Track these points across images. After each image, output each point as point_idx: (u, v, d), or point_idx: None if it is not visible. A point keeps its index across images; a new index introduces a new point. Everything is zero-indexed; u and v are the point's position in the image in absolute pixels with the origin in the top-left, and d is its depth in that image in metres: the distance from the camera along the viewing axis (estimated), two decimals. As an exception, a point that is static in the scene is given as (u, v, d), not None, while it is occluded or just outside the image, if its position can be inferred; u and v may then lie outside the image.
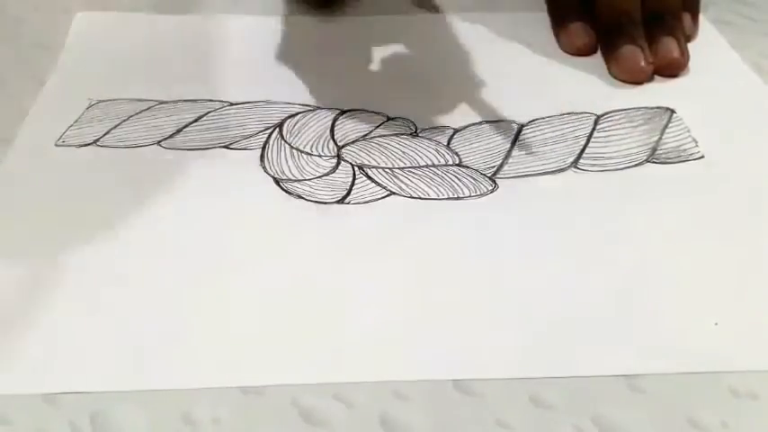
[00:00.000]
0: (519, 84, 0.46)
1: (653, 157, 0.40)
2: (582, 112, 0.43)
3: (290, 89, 0.45)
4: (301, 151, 0.40)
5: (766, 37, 0.50)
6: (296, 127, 0.42)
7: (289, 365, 0.29)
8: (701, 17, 0.52)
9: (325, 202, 0.37)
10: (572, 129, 0.42)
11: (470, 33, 0.51)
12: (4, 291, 0.32)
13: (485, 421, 0.28)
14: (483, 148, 0.40)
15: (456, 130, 0.41)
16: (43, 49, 0.47)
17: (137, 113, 0.43)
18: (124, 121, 0.42)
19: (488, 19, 0.51)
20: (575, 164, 0.39)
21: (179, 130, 0.41)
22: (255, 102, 0.44)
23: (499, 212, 0.36)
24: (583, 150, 0.40)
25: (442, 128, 0.42)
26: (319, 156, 0.40)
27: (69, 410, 0.28)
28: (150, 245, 0.34)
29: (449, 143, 0.41)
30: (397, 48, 0.48)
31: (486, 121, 0.42)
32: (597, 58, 0.48)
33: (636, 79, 0.45)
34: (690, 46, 0.49)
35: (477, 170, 0.39)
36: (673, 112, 0.43)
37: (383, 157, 0.40)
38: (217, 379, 0.29)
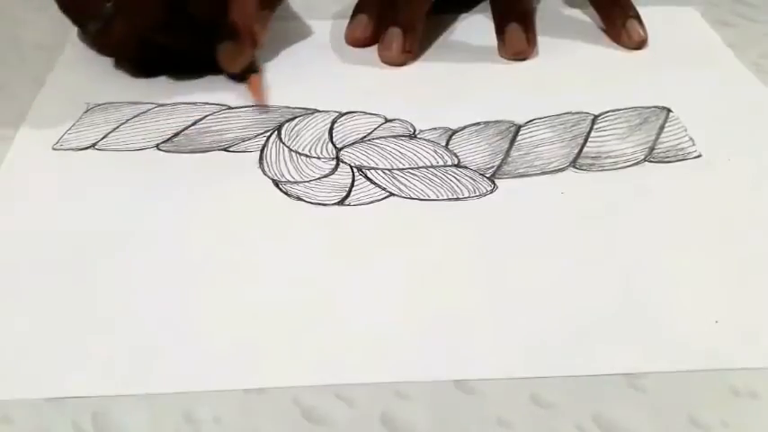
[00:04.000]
0: (517, 84, 0.46)
1: (651, 156, 0.40)
2: (579, 112, 0.43)
3: (288, 92, 0.45)
4: (300, 153, 0.40)
5: (766, 37, 0.50)
6: (294, 129, 0.42)
7: (290, 367, 0.29)
8: (699, 16, 0.52)
9: (325, 204, 0.37)
10: (569, 128, 0.42)
11: (468, 34, 0.51)
12: (3, 293, 0.32)
13: (486, 420, 0.28)
14: (481, 148, 0.40)
15: (454, 131, 0.41)
16: (43, 50, 0.47)
17: (135, 117, 0.43)
18: (122, 124, 0.42)
19: (486, 20, 0.51)
20: (573, 164, 0.39)
21: (177, 134, 0.42)
22: (254, 104, 0.44)
23: (498, 213, 0.36)
24: (581, 150, 0.40)
25: (441, 129, 0.42)
26: (318, 158, 0.40)
27: (71, 410, 0.28)
28: (149, 248, 0.34)
29: (447, 144, 0.41)
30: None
31: (485, 122, 0.42)
32: (594, 62, 0.48)
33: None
34: (686, 46, 0.49)
35: (476, 171, 0.39)
36: (669, 111, 0.43)
37: (382, 159, 0.40)
38: (219, 381, 0.29)
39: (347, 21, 0.50)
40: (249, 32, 0.44)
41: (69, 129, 0.42)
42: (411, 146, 0.41)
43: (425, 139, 0.41)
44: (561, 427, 0.27)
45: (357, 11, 0.50)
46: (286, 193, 0.37)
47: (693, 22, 0.52)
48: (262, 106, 0.43)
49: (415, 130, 0.42)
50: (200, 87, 0.45)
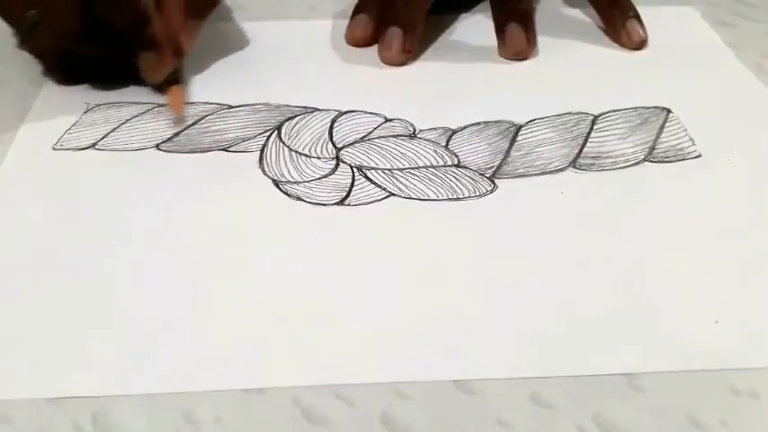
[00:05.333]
0: (517, 84, 0.46)
1: (651, 156, 0.40)
2: (579, 112, 0.43)
3: (289, 91, 0.45)
4: (300, 153, 0.40)
5: (766, 37, 0.50)
6: (294, 129, 0.42)
7: (290, 367, 0.29)
8: (699, 16, 0.52)
9: (325, 204, 0.37)
10: (570, 129, 0.42)
11: (468, 34, 0.51)
12: (3, 293, 0.32)
13: (486, 420, 0.28)
14: (481, 148, 0.40)
15: (454, 131, 0.42)
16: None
17: (135, 117, 0.43)
18: (122, 124, 0.42)
19: (486, 20, 0.51)
20: (573, 164, 0.39)
21: (177, 134, 0.42)
22: (254, 104, 0.44)
23: (498, 213, 0.36)
24: (581, 150, 0.40)
25: (441, 129, 0.42)
26: (318, 158, 0.40)
27: (71, 410, 0.28)
28: (149, 248, 0.34)
29: (447, 144, 0.41)
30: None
31: (485, 122, 0.42)
32: (594, 62, 0.48)
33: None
34: (686, 46, 0.49)
35: (476, 171, 0.39)
36: (669, 111, 0.43)
37: (382, 159, 0.40)
38: (219, 381, 0.29)
39: (347, 21, 0.50)
40: (173, 43, 0.43)
41: (69, 129, 0.42)
42: (411, 146, 0.41)
43: (425, 139, 0.41)
44: (561, 427, 0.27)
45: (357, 11, 0.50)
46: (286, 193, 0.37)
47: (693, 22, 0.52)
48: (177, 119, 0.42)
49: (415, 130, 0.42)
50: (200, 87, 0.45)
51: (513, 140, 0.41)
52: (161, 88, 0.44)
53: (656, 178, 0.38)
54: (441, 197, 0.37)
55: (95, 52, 0.43)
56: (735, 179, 0.38)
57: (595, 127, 0.42)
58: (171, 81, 0.44)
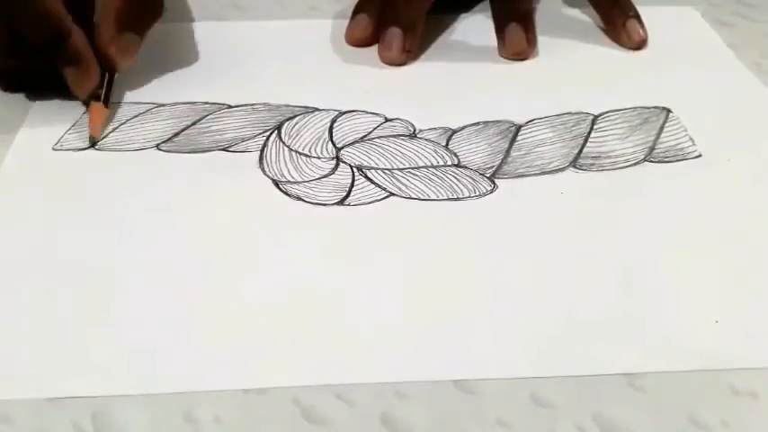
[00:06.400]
0: (517, 84, 0.46)
1: (651, 156, 0.40)
2: (579, 112, 0.43)
3: (289, 91, 0.45)
4: (300, 153, 0.40)
5: (766, 38, 0.51)
6: (294, 129, 0.42)
7: (290, 367, 0.29)
8: (699, 16, 0.52)
9: (325, 204, 0.37)
10: (569, 129, 0.42)
11: (468, 34, 0.51)
12: (3, 293, 0.32)
13: (485, 420, 0.28)
14: (481, 148, 0.40)
15: (454, 131, 0.42)
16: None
17: (135, 116, 0.43)
18: (122, 124, 0.42)
19: (486, 20, 0.51)
20: (573, 164, 0.39)
21: (177, 134, 0.41)
22: (254, 104, 0.44)
23: (498, 213, 0.36)
24: (581, 150, 0.40)
25: (441, 129, 0.42)
26: (318, 158, 0.40)
27: (71, 410, 0.28)
28: (149, 248, 0.34)
29: (447, 144, 0.41)
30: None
31: (484, 122, 0.42)
32: (594, 62, 0.48)
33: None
34: (686, 46, 0.49)
35: (475, 171, 0.39)
36: (669, 111, 0.43)
37: (382, 159, 0.40)
38: (219, 381, 0.29)
39: (347, 21, 0.50)
40: (103, 57, 0.42)
41: (69, 129, 0.42)
42: (411, 145, 0.41)
43: (425, 139, 0.41)
44: (561, 427, 0.27)
45: (357, 11, 0.50)
46: (286, 193, 0.37)
47: (693, 22, 0.52)
48: (92, 135, 0.41)
49: (415, 130, 0.42)
50: (201, 87, 0.45)
51: (513, 140, 0.41)
52: (87, 103, 0.43)
53: (655, 178, 0.38)
54: (441, 197, 0.37)
55: (23, 66, 0.43)
56: (735, 179, 0.38)
57: (595, 127, 0.42)
58: (96, 96, 0.42)
